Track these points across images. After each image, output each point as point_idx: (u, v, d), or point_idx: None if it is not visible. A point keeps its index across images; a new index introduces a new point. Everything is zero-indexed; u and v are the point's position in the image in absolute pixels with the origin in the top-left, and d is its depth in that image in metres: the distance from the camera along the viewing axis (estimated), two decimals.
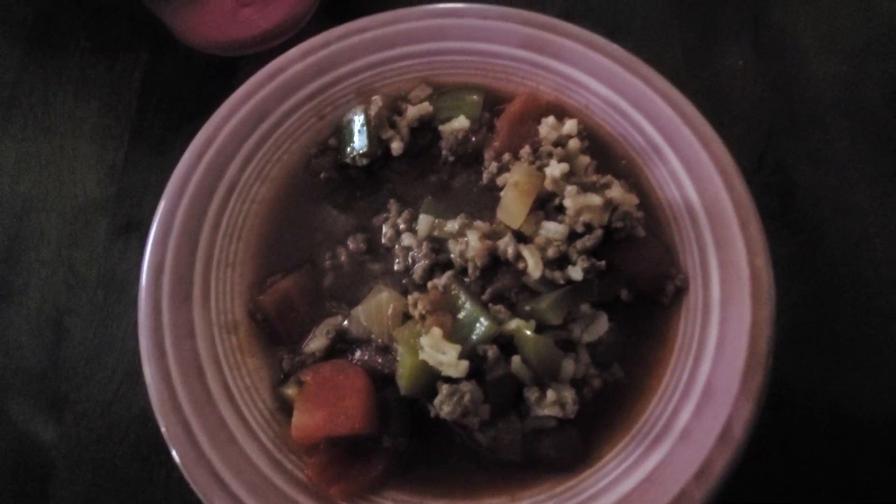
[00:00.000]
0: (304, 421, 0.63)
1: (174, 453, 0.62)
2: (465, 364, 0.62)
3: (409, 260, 0.74)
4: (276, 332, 0.72)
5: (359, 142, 0.78)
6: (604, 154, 0.79)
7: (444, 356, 0.62)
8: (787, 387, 0.75)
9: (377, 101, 0.80)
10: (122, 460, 0.77)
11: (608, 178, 0.72)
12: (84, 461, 0.77)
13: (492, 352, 0.64)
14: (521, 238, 0.70)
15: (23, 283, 0.87)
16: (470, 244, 0.69)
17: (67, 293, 0.86)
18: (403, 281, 0.74)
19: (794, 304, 0.81)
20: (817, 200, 0.89)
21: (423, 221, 0.73)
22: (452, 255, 0.70)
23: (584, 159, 0.74)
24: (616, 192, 0.69)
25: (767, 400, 0.63)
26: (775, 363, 0.64)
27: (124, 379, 0.81)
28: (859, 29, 1.01)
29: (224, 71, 0.98)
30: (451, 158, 0.80)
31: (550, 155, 0.73)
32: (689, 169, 0.74)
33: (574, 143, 0.74)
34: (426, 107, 0.81)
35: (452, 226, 0.72)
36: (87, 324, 0.84)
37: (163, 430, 0.63)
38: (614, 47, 0.79)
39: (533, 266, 0.66)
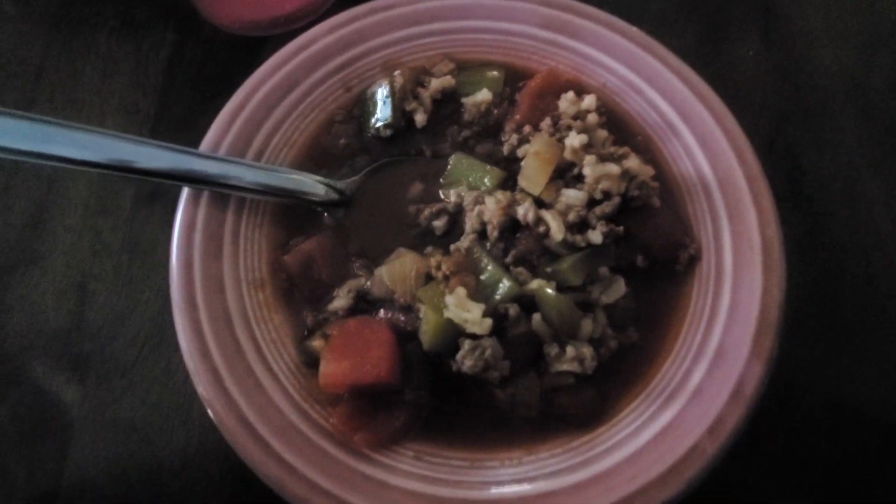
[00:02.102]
0: (331, 370, 0.64)
1: (202, 394, 0.64)
2: (489, 321, 0.64)
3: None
4: (300, 291, 0.74)
5: (383, 113, 0.81)
6: (620, 130, 0.81)
7: (469, 314, 0.64)
8: (790, 363, 0.77)
9: (401, 74, 0.82)
10: (142, 420, 0.78)
11: (625, 149, 0.74)
12: (104, 421, 0.78)
13: (513, 310, 0.66)
14: (541, 205, 0.72)
15: (49, 249, 0.89)
16: (487, 207, 0.71)
17: (92, 258, 0.88)
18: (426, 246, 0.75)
19: (800, 284, 0.83)
20: (824, 185, 0.91)
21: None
22: (468, 219, 0.73)
23: (602, 133, 0.76)
24: (633, 162, 0.71)
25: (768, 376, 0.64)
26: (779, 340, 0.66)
27: (146, 341, 0.82)
28: (867, 20, 1.04)
29: (249, 51, 1.00)
30: (474, 129, 0.82)
31: (570, 128, 0.76)
32: (703, 144, 0.76)
33: (593, 118, 0.77)
34: (449, 79, 0.83)
35: (471, 194, 0.74)
36: (111, 288, 0.86)
37: (193, 375, 0.65)
38: (632, 28, 0.82)
39: (556, 229, 0.68)
